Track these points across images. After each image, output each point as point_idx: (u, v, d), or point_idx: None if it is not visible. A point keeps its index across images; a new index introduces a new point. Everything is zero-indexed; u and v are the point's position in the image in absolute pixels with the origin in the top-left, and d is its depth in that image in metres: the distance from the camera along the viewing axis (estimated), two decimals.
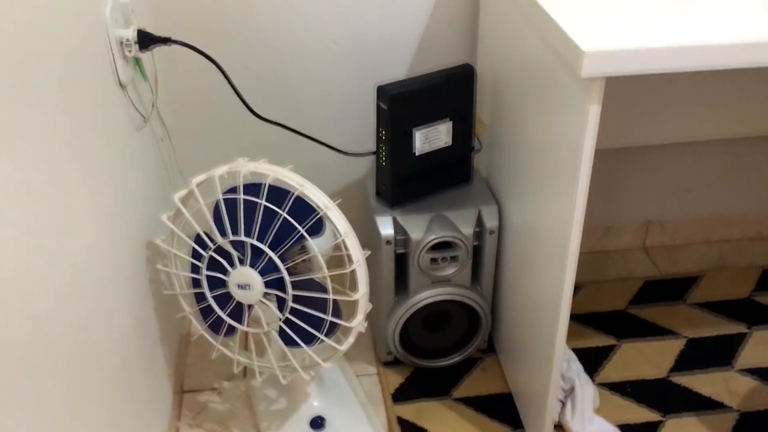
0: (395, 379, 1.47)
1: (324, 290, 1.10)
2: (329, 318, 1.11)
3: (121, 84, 1.15)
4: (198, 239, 1.15)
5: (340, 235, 1.08)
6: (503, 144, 1.35)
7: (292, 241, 1.08)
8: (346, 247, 1.09)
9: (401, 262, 1.37)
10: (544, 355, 1.22)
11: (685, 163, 1.71)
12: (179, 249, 1.19)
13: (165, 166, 1.42)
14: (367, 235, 1.39)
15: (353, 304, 1.13)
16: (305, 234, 1.07)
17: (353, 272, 1.11)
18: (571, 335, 1.53)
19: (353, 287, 1.13)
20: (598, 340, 1.55)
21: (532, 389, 1.31)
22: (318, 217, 1.06)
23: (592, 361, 1.49)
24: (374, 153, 1.39)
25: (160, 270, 1.21)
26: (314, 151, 1.42)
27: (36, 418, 0.75)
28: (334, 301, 1.11)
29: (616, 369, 1.48)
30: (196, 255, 1.15)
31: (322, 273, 1.10)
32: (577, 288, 1.68)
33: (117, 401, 1.04)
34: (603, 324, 1.59)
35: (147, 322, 1.23)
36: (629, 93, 1.50)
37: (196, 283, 1.18)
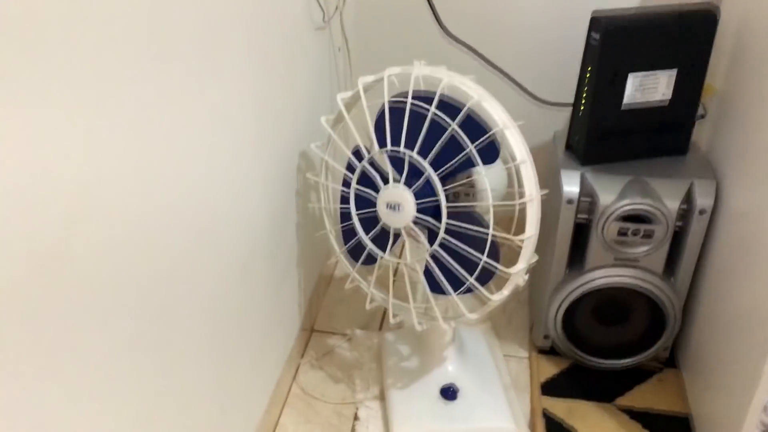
0: (548, 369, 1.25)
1: (484, 226, 0.92)
2: (485, 259, 0.92)
3: None
4: (355, 152, 1.01)
5: (515, 160, 0.89)
6: (738, 112, 1.08)
7: (459, 161, 0.91)
8: (519, 177, 0.90)
9: (582, 232, 1.15)
10: (745, 377, 0.95)
11: None
12: (333, 159, 1.06)
13: (338, 74, 1.30)
14: (547, 194, 1.19)
15: (514, 255, 0.94)
16: (475, 154, 0.89)
17: (523, 210, 0.91)
18: None
19: (519, 232, 0.93)
20: None
21: (722, 416, 1.04)
22: (493, 136, 0.89)
23: None
24: (571, 105, 1.18)
25: (309, 179, 1.09)
26: (500, 88, 1.24)
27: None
28: (493, 242, 0.92)
29: None
30: (350, 169, 1.02)
31: (487, 203, 0.92)
32: None
33: (242, 318, 0.93)
34: None
35: (284, 234, 1.12)
36: None
37: (344, 201, 1.05)
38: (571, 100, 1.19)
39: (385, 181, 0.97)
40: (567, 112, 1.32)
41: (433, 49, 1.28)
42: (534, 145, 1.39)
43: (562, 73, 1.30)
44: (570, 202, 1.12)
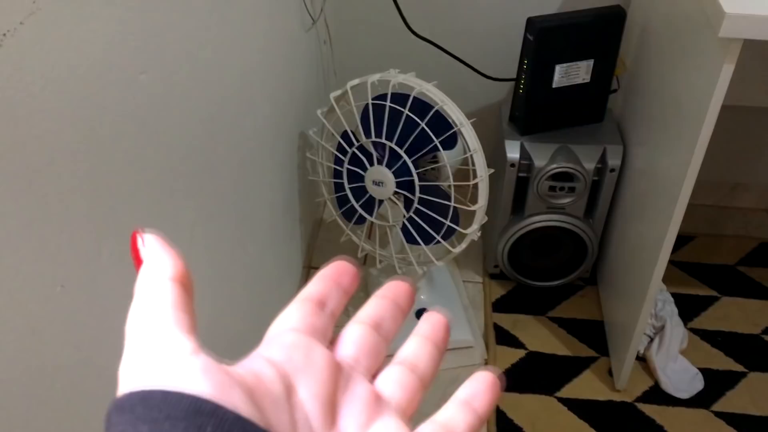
0: (498, 290, 1.61)
1: (447, 198, 1.24)
2: (448, 223, 1.24)
3: None
4: (345, 136, 1.30)
5: (470, 151, 1.20)
6: (639, 88, 1.39)
7: (427, 150, 1.21)
8: (473, 163, 1.21)
9: (521, 186, 1.47)
10: (639, 291, 1.31)
11: None
12: (327, 142, 1.35)
13: (323, 66, 1.57)
14: (494, 156, 1.50)
15: (471, 215, 1.26)
16: (439, 145, 1.19)
17: (476, 186, 1.23)
18: (674, 281, 1.60)
19: (474, 200, 1.25)
20: (701, 290, 1.60)
21: (623, 321, 1.41)
22: (453, 132, 1.19)
23: (689, 308, 1.55)
24: (514, 80, 1.47)
25: (308, 158, 1.38)
26: (458, 71, 1.52)
27: (208, 256, 0.95)
28: (455, 208, 1.24)
29: (711, 320, 1.54)
30: (341, 150, 1.31)
31: (448, 182, 1.23)
32: (692, 237, 1.72)
33: (263, 260, 1.24)
34: (709, 276, 1.63)
35: (291, 200, 1.42)
36: None
37: (336, 174, 1.34)
38: (513, 75, 1.48)
39: (371, 162, 1.27)
40: (510, 85, 1.62)
41: (400, 40, 1.55)
42: (484, 109, 1.70)
43: (504, 55, 1.58)
44: (512, 165, 1.44)
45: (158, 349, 0.24)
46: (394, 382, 0.29)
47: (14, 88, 0.46)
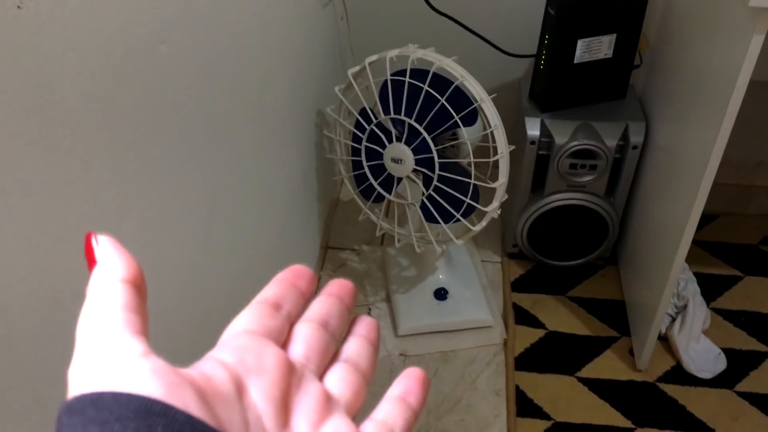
0: (517, 270, 1.59)
1: (467, 175, 1.22)
2: (468, 200, 1.23)
3: None
4: (363, 113, 1.28)
5: (490, 127, 1.18)
6: (663, 63, 1.37)
7: (446, 126, 1.19)
8: (493, 139, 1.19)
9: (541, 163, 1.45)
10: (661, 271, 1.29)
11: None
12: (344, 119, 1.33)
13: (341, 43, 1.55)
14: (514, 134, 1.47)
15: (491, 192, 1.24)
16: (459, 122, 1.17)
17: (496, 162, 1.21)
18: (697, 260, 1.58)
19: (494, 177, 1.23)
20: (723, 270, 1.58)
21: (645, 300, 1.39)
22: (473, 108, 1.17)
23: (712, 287, 1.53)
24: (534, 56, 1.45)
25: (326, 136, 1.36)
26: (478, 46, 1.50)
27: (234, 227, 0.94)
28: (474, 186, 1.22)
29: (734, 299, 1.52)
30: (359, 127, 1.30)
31: (468, 159, 1.21)
32: (714, 216, 1.70)
33: (281, 239, 1.23)
34: (732, 255, 1.61)
35: (308, 179, 1.41)
36: None
37: (354, 152, 1.33)
38: (533, 51, 1.46)
39: (390, 139, 1.26)
40: (530, 61, 1.59)
41: (418, 16, 1.53)
42: (504, 86, 1.67)
43: (525, 31, 1.56)
44: (532, 143, 1.42)
45: (108, 352, 0.24)
46: (342, 380, 0.30)
47: (34, 51, 0.45)
